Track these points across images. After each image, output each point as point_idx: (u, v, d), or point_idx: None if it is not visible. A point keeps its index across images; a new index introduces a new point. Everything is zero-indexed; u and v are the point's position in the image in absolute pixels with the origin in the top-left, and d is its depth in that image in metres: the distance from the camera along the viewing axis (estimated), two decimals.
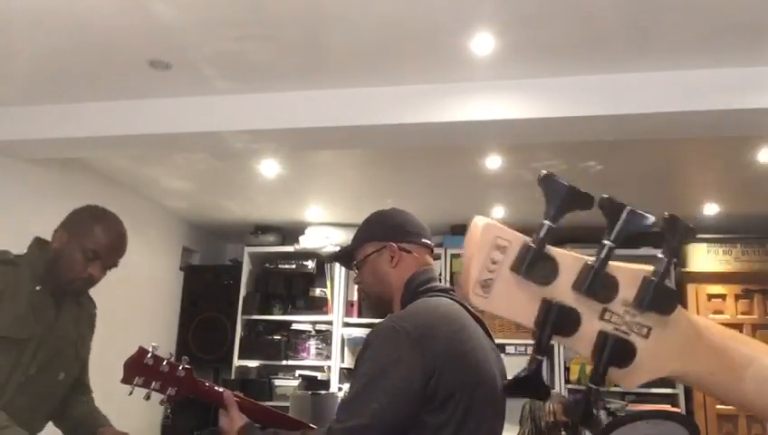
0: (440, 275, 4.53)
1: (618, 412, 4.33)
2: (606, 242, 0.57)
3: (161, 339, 4.80)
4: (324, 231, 4.94)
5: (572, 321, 0.57)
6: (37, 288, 1.83)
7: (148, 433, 4.43)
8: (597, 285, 0.56)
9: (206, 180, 4.33)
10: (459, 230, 4.86)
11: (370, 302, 1.70)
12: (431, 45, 2.54)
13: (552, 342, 0.57)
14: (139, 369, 1.60)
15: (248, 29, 2.45)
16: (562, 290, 0.57)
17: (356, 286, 1.79)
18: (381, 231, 1.63)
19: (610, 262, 0.57)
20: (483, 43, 2.48)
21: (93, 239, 1.87)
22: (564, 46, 2.52)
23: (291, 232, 5.07)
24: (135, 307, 4.47)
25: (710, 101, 2.62)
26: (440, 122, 2.84)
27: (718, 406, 4.28)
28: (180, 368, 1.62)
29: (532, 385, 0.56)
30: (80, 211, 1.96)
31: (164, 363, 1.62)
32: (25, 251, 1.90)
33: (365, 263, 1.63)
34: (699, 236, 4.50)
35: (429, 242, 1.65)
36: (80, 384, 2.05)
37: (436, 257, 4.59)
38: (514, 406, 2.88)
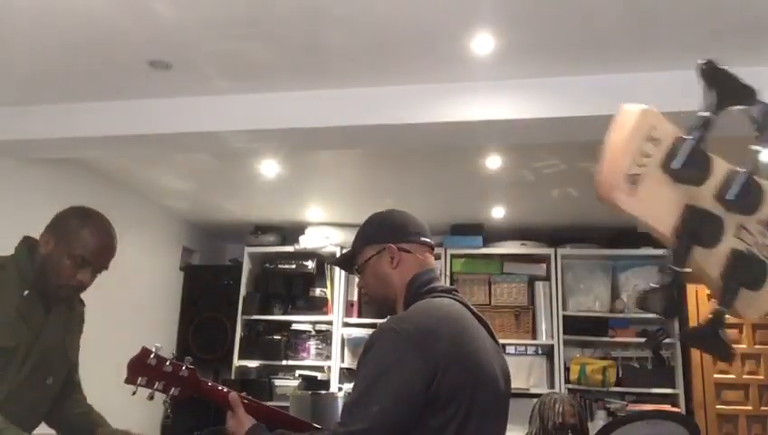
0: (440, 275, 4.56)
1: (618, 412, 4.33)
2: (755, 147, 0.52)
3: (161, 339, 4.77)
4: (324, 231, 4.94)
5: (715, 231, 0.51)
6: (25, 293, 1.78)
7: (149, 433, 4.43)
8: (742, 194, 0.51)
9: (206, 180, 4.33)
10: (459, 230, 4.86)
11: (374, 304, 1.68)
12: (431, 45, 2.54)
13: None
14: (143, 369, 1.59)
15: (248, 29, 2.45)
16: (709, 196, 0.51)
17: (357, 288, 1.79)
18: (380, 233, 1.62)
19: (759, 177, 0.52)
20: (483, 43, 2.48)
21: (81, 245, 1.80)
22: (564, 46, 2.52)
23: (291, 232, 5.07)
24: (135, 307, 4.48)
25: None
26: (440, 122, 2.84)
27: (718, 406, 4.28)
28: (183, 368, 1.62)
29: (664, 299, 0.51)
30: (66, 214, 1.89)
31: (167, 364, 1.61)
32: (12, 252, 1.84)
33: (366, 266, 1.62)
34: None
35: (429, 240, 1.65)
36: (70, 382, 2.01)
37: (437, 257, 4.60)
38: (521, 406, 2.88)
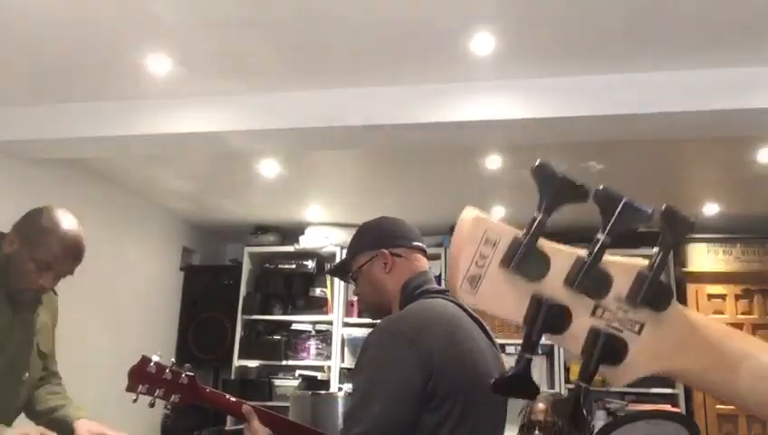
0: (440, 275, 4.56)
1: (618, 412, 4.33)
2: (599, 236, 0.54)
3: (161, 339, 4.81)
4: (324, 231, 4.94)
5: (563, 318, 0.54)
6: None
7: (148, 433, 4.43)
8: (589, 280, 0.54)
9: (206, 180, 4.33)
10: None
11: (370, 311, 1.71)
12: (431, 45, 2.54)
13: (543, 340, 0.56)
14: (143, 377, 1.63)
15: (248, 29, 2.45)
16: (553, 286, 0.55)
17: (354, 294, 1.79)
18: (372, 240, 1.64)
19: (605, 256, 0.55)
20: (483, 43, 2.48)
21: (46, 250, 1.75)
22: (564, 46, 2.52)
23: (291, 232, 5.07)
24: (135, 307, 4.48)
25: (710, 101, 2.62)
26: (440, 122, 2.84)
27: (718, 406, 4.28)
28: (183, 375, 1.65)
29: (519, 385, 0.54)
30: (34, 215, 1.83)
31: (166, 371, 1.64)
32: None
33: (360, 273, 1.64)
34: (699, 236, 4.50)
35: (421, 244, 1.66)
36: (47, 374, 2.00)
37: (437, 257, 4.65)
38: (521, 406, 2.88)
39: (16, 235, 1.79)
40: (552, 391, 4.20)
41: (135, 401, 1.64)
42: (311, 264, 5.01)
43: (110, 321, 4.09)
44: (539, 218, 0.54)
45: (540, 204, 0.55)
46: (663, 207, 0.55)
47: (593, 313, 0.56)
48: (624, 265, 0.56)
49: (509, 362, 1.67)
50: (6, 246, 1.78)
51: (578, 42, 2.49)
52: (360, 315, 4.85)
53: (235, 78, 2.86)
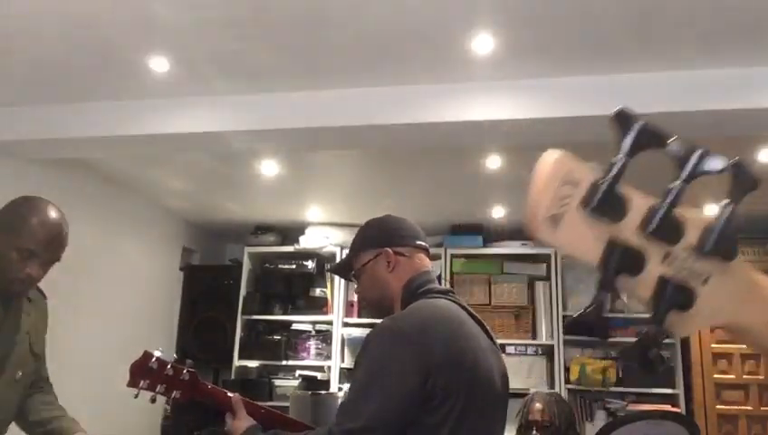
0: (440, 275, 4.56)
1: (618, 412, 4.33)
2: (675, 184, 0.56)
3: (161, 339, 4.81)
4: (324, 231, 4.94)
5: (636, 263, 0.56)
6: None
7: (148, 433, 4.43)
8: (663, 226, 0.55)
9: (206, 180, 4.33)
10: (459, 230, 4.86)
11: (372, 309, 1.71)
12: (431, 45, 2.54)
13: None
14: (144, 373, 1.63)
15: (248, 29, 2.45)
16: (629, 230, 0.56)
17: (355, 292, 1.80)
18: (375, 238, 1.64)
19: (678, 207, 0.56)
20: (483, 43, 2.48)
21: (29, 237, 1.73)
22: (564, 46, 2.53)
23: (291, 232, 5.07)
24: (135, 307, 4.48)
25: (710, 101, 2.62)
26: (440, 122, 2.84)
27: (718, 406, 4.28)
28: (184, 371, 1.65)
29: (592, 324, 0.56)
30: (12, 205, 1.81)
31: (168, 367, 1.64)
32: None
33: (363, 272, 1.64)
34: None
35: (424, 243, 1.66)
36: (38, 379, 1.98)
37: (437, 257, 4.65)
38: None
39: None
40: (549, 390, 4.20)
41: (136, 396, 1.64)
42: (311, 264, 5.01)
43: (109, 321, 4.09)
44: (620, 162, 0.55)
45: (620, 147, 0.56)
46: (733, 160, 0.57)
47: (663, 260, 0.57)
48: (695, 216, 0.58)
49: (509, 362, 1.66)
50: None
51: (578, 42, 2.49)
52: (360, 315, 4.85)
53: (235, 78, 2.86)
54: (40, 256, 1.76)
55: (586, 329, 0.57)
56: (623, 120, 0.56)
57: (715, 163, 0.56)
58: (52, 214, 1.81)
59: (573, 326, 0.57)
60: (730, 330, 0.63)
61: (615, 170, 0.55)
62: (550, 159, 0.56)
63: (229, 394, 1.64)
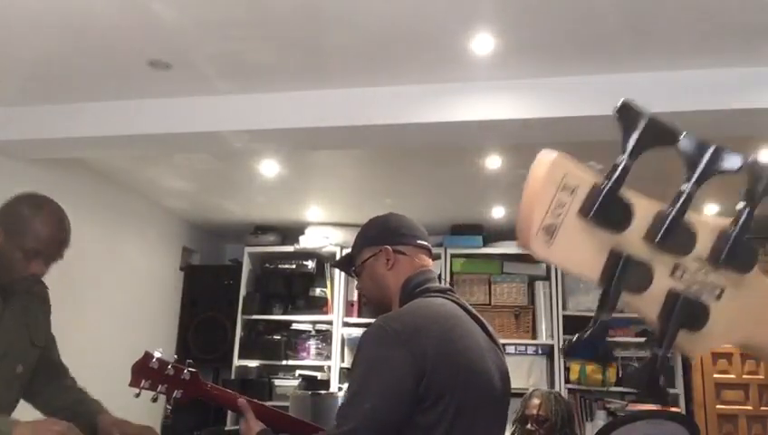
0: (440, 274, 4.55)
1: (618, 412, 4.33)
2: (684, 187, 0.49)
3: (161, 339, 4.81)
4: (324, 231, 4.94)
5: (643, 276, 0.49)
6: None
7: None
8: (673, 236, 0.48)
9: (206, 180, 4.33)
10: (459, 230, 4.86)
11: (372, 306, 1.72)
12: (431, 45, 2.54)
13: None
14: (146, 372, 1.64)
15: (248, 29, 2.45)
16: (634, 240, 0.49)
17: (356, 289, 1.81)
18: (376, 236, 1.65)
19: (689, 211, 0.48)
20: (483, 43, 2.48)
21: (33, 236, 1.72)
22: (564, 46, 2.53)
23: (291, 232, 5.07)
24: (135, 307, 4.48)
25: (710, 101, 2.62)
26: (440, 122, 2.84)
27: (718, 406, 4.28)
28: (185, 371, 1.66)
29: (593, 347, 0.51)
30: (15, 203, 1.80)
31: (169, 367, 1.65)
32: None
33: (363, 268, 1.65)
34: None
35: (425, 243, 1.67)
36: (53, 365, 1.98)
37: (437, 257, 4.61)
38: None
39: (0, 227, 1.76)
40: (550, 389, 4.21)
41: (138, 395, 1.65)
42: (311, 264, 5.02)
43: (109, 321, 4.09)
44: (623, 163, 0.48)
45: (624, 147, 0.49)
46: (751, 158, 0.49)
47: (672, 273, 0.50)
48: (708, 221, 0.51)
49: (509, 362, 1.66)
50: None
51: (578, 42, 2.49)
52: (360, 315, 4.86)
53: (235, 78, 2.86)
54: (44, 255, 1.77)
55: (586, 351, 0.52)
56: (627, 114, 0.49)
57: (733, 161, 0.49)
58: (56, 212, 1.81)
59: (571, 350, 0.51)
60: (746, 349, 0.56)
61: (617, 173, 0.49)
62: (545, 160, 0.50)
63: (227, 392, 1.65)
